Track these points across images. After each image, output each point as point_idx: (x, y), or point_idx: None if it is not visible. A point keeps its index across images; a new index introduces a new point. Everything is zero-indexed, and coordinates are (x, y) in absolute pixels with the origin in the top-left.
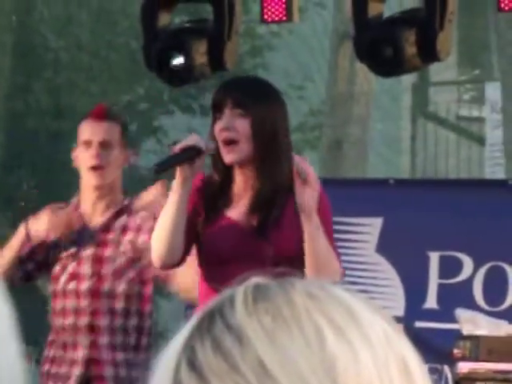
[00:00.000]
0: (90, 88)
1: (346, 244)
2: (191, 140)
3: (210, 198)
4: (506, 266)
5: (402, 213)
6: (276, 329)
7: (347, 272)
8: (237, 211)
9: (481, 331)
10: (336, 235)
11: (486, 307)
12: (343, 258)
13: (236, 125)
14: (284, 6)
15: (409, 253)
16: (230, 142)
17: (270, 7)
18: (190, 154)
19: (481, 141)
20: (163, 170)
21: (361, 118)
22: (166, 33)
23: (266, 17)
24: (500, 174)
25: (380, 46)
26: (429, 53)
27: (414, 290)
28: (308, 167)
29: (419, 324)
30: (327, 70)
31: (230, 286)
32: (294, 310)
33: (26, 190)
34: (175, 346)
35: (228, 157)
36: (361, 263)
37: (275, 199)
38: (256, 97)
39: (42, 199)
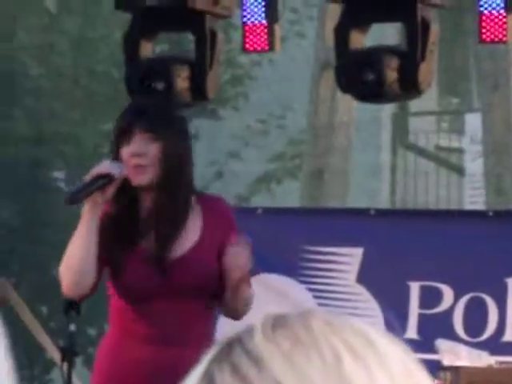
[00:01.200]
0: (71, 116)
1: (327, 274)
2: (103, 167)
3: (120, 224)
4: (486, 297)
5: (383, 243)
6: (294, 352)
7: (328, 302)
8: (148, 241)
9: (461, 362)
10: (317, 265)
11: (466, 338)
12: (324, 287)
13: (147, 150)
14: (266, 36)
15: (389, 283)
16: (140, 167)
17: (251, 37)
18: (103, 182)
19: (460, 171)
20: (76, 201)
21: (342, 148)
22: (148, 61)
23: (247, 46)
24: (479, 205)
25: (362, 72)
26: (410, 83)
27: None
28: (242, 255)
29: None
30: (307, 99)
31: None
32: (312, 335)
33: (6, 217)
34: (195, 375)
35: (136, 179)
36: (341, 293)
37: (178, 227)
38: (166, 121)
39: (23, 226)
